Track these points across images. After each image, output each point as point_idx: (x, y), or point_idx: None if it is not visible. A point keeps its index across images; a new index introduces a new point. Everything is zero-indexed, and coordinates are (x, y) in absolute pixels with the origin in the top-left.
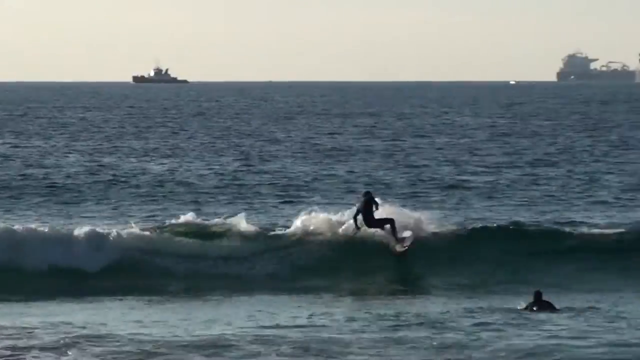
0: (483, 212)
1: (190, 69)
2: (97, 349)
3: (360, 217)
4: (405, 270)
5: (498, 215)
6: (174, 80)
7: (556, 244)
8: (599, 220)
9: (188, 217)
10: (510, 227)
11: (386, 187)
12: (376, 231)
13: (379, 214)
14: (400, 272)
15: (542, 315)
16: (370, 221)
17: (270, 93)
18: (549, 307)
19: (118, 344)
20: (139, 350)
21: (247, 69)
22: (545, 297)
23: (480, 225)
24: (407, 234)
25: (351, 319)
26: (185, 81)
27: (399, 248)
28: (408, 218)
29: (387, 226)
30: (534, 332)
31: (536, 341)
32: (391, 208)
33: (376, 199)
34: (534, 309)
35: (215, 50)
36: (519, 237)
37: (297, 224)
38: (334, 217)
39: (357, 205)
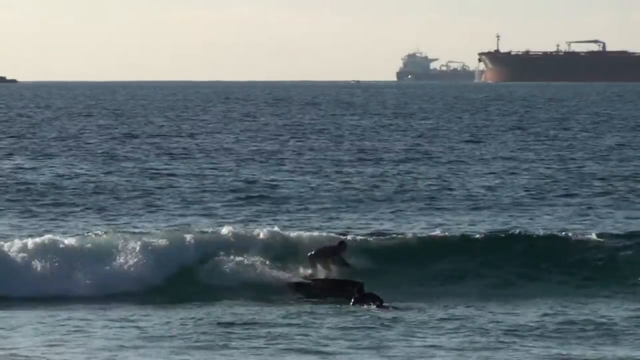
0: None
1: (27, 69)
2: None
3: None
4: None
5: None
6: (3, 79)
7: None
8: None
9: None
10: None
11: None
12: None
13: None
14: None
15: (352, 308)
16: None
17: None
18: (371, 299)
19: None
20: None
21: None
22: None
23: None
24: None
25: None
26: (14, 80)
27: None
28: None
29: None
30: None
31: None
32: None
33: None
34: (352, 302)
35: (54, 50)
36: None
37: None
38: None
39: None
